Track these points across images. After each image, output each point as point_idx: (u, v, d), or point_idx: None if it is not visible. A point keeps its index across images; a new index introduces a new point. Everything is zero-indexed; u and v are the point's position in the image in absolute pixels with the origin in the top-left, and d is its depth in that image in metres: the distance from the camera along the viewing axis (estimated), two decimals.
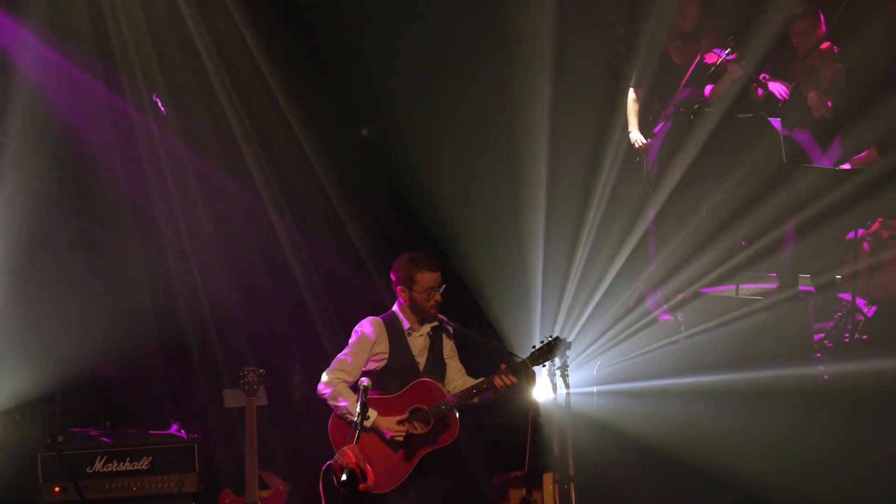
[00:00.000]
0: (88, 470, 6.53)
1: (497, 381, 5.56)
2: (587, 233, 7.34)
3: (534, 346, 5.76)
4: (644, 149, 7.43)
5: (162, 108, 7.21)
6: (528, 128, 7.41)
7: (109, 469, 6.61)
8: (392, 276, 5.74)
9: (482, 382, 5.62)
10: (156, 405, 7.15)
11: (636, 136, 7.44)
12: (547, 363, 5.94)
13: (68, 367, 7.02)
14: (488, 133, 7.68)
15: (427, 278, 5.63)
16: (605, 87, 7.62)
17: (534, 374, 6.08)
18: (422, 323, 5.72)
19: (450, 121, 7.61)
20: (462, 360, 5.95)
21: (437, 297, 5.67)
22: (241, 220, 7.66)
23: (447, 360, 5.82)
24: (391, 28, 7.49)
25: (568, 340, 5.99)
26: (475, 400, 5.64)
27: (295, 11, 7.58)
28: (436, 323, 5.74)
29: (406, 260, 5.71)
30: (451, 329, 5.79)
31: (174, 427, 6.88)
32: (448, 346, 5.81)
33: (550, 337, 5.80)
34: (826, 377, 6.55)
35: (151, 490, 6.64)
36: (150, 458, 6.64)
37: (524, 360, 5.67)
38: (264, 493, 6.41)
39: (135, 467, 6.64)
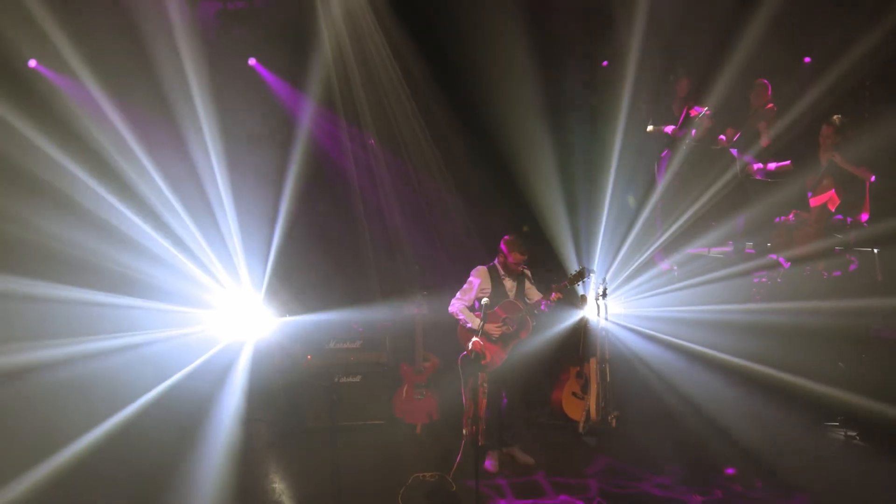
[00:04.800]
0: (326, 347, 8.15)
1: (551, 297, 6.91)
2: (629, 219, 8.84)
3: (571, 273, 7.10)
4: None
5: (371, 142, 9.14)
6: (601, 154, 8.90)
7: (338, 347, 8.19)
8: (501, 245, 7.05)
9: (539, 300, 6.97)
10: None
11: (667, 128, 8.69)
12: (585, 284, 7.29)
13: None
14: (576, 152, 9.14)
15: (518, 257, 7.03)
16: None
17: (579, 295, 7.58)
18: (509, 273, 7.10)
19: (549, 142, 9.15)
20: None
21: (520, 268, 7.03)
22: (419, 204, 9.29)
23: (528, 290, 7.12)
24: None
25: (590, 269, 7.25)
26: (542, 308, 6.90)
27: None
28: (518, 273, 7.13)
29: (510, 241, 7.04)
30: (528, 273, 7.14)
31: (360, 330, 8.17)
32: (527, 282, 7.15)
33: (580, 267, 7.08)
34: None
35: (360, 359, 8.12)
36: (360, 341, 8.22)
37: (563, 283, 7.02)
38: (426, 364, 7.97)
39: (352, 346, 8.20)
